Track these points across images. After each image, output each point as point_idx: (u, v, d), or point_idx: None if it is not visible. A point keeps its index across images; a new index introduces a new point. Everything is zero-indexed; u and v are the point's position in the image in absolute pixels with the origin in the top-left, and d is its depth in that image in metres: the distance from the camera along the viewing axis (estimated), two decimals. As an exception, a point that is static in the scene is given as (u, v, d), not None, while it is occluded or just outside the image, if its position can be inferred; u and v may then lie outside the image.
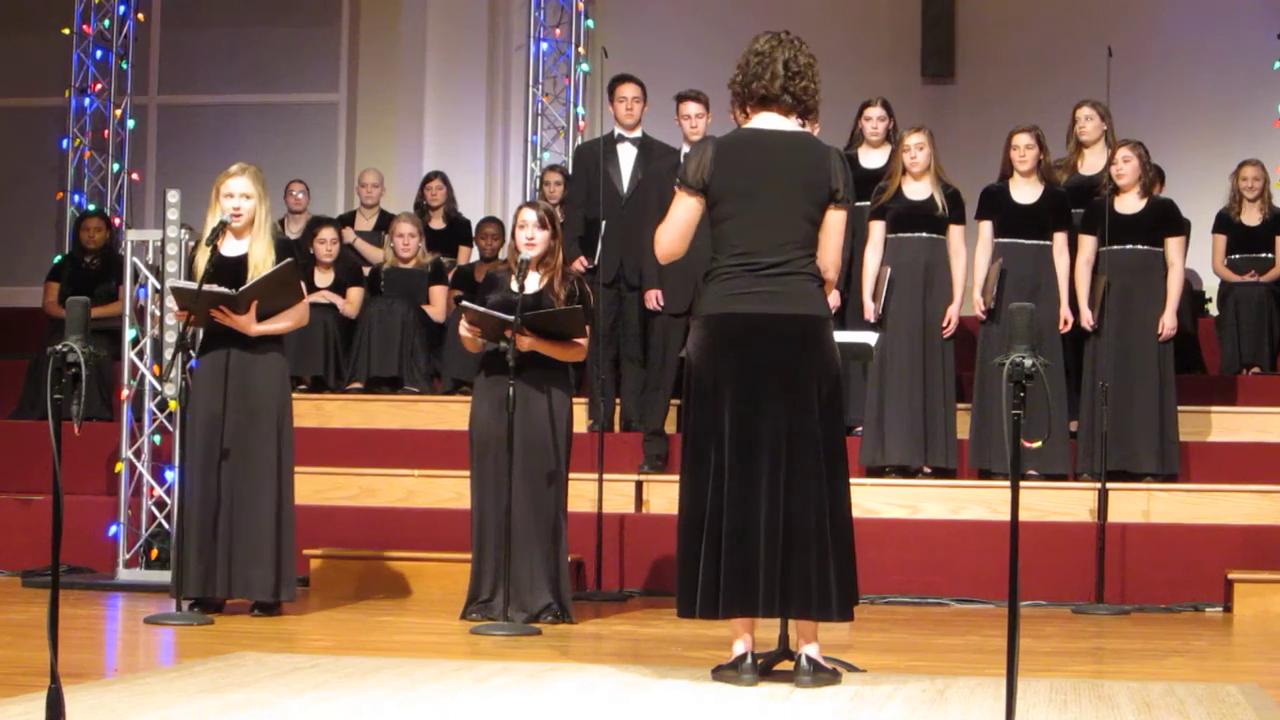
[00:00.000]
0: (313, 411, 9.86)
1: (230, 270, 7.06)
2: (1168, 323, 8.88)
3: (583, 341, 7.17)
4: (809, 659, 5.27)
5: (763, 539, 5.19)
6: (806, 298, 5.31)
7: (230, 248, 7.15)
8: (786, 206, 5.30)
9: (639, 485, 8.96)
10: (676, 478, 8.77)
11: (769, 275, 5.28)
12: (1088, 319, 8.86)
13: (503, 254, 10.08)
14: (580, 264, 9.19)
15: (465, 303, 7.17)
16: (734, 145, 5.40)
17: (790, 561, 5.19)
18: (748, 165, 5.33)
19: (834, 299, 8.58)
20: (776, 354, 5.26)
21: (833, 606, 5.22)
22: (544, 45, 13.06)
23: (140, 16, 12.92)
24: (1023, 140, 8.97)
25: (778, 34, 5.46)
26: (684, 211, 5.39)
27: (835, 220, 5.37)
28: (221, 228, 7.06)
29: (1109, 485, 8.35)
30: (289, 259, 7.09)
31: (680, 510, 5.38)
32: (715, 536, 5.22)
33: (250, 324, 7.05)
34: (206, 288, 6.90)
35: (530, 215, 7.20)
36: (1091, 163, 9.54)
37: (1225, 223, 10.70)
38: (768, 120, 5.41)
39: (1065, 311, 8.88)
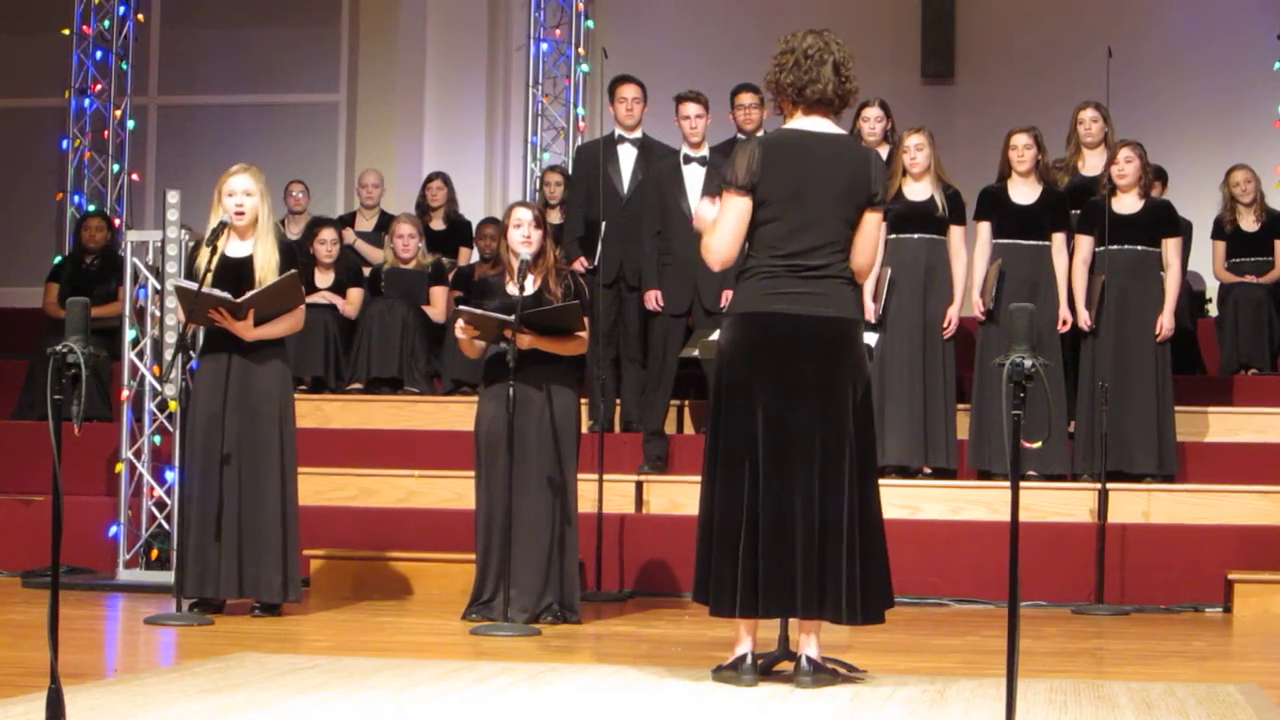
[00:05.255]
0: (313, 412, 9.86)
1: (234, 271, 7.06)
2: (1165, 323, 8.87)
3: (583, 335, 7.18)
4: (809, 659, 5.27)
5: (799, 540, 5.18)
6: (843, 300, 5.32)
7: (234, 249, 7.15)
8: (829, 209, 5.29)
9: (639, 486, 8.96)
10: (676, 478, 8.90)
11: (810, 277, 5.27)
12: (1085, 319, 8.86)
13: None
14: (580, 264, 9.19)
15: (461, 306, 7.17)
16: (779, 146, 5.38)
17: (825, 564, 5.19)
18: (794, 168, 5.31)
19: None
20: (813, 355, 5.25)
21: (866, 610, 5.22)
22: (544, 46, 13.06)
23: (140, 17, 12.92)
24: (1021, 141, 8.97)
25: (820, 33, 5.41)
26: (735, 212, 5.32)
27: (871, 222, 5.38)
28: (222, 228, 7.06)
29: (1109, 486, 8.36)
30: (293, 270, 7.09)
31: (707, 509, 5.32)
32: (752, 537, 5.20)
33: (247, 330, 7.05)
34: (209, 290, 6.90)
35: (526, 214, 7.22)
36: (1092, 164, 9.54)
37: (1222, 229, 10.69)
38: (812, 123, 5.39)
39: (1064, 312, 8.88)
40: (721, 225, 5.36)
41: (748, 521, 5.21)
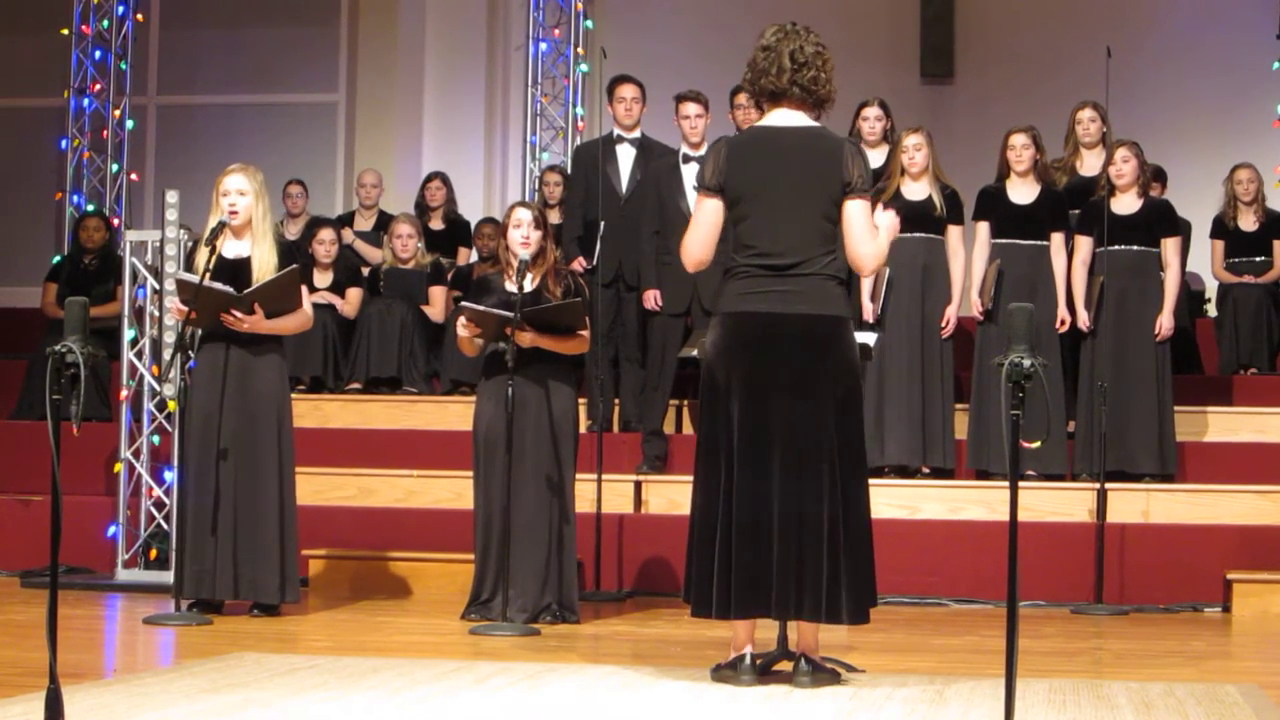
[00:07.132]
0: (311, 412, 9.86)
1: (231, 272, 7.04)
2: (1165, 323, 8.88)
3: (585, 333, 7.18)
4: (808, 659, 5.27)
5: (775, 541, 5.16)
6: (825, 297, 5.26)
7: (231, 249, 7.14)
8: (801, 204, 5.25)
9: (638, 486, 8.96)
10: (675, 478, 8.92)
11: (787, 275, 5.24)
12: (1084, 320, 8.86)
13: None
14: (579, 264, 9.19)
15: (464, 302, 7.17)
16: (746, 144, 5.37)
17: (803, 564, 5.16)
18: (760, 164, 5.28)
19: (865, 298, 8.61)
20: (791, 354, 5.21)
21: (842, 611, 5.19)
22: (543, 46, 13.05)
23: (139, 17, 12.91)
24: (1019, 140, 8.97)
25: (784, 26, 5.36)
26: (705, 214, 5.33)
27: (853, 210, 5.27)
28: (220, 228, 7.05)
29: (1108, 485, 8.35)
30: (294, 265, 7.08)
31: (692, 509, 5.35)
32: (726, 536, 5.20)
33: (260, 321, 7.03)
34: (210, 284, 6.88)
35: (526, 214, 7.23)
36: (1091, 164, 9.54)
37: (1222, 228, 10.69)
38: (780, 117, 5.36)
39: (1063, 312, 8.88)
40: (692, 226, 5.37)
41: (721, 522, 5.20)
